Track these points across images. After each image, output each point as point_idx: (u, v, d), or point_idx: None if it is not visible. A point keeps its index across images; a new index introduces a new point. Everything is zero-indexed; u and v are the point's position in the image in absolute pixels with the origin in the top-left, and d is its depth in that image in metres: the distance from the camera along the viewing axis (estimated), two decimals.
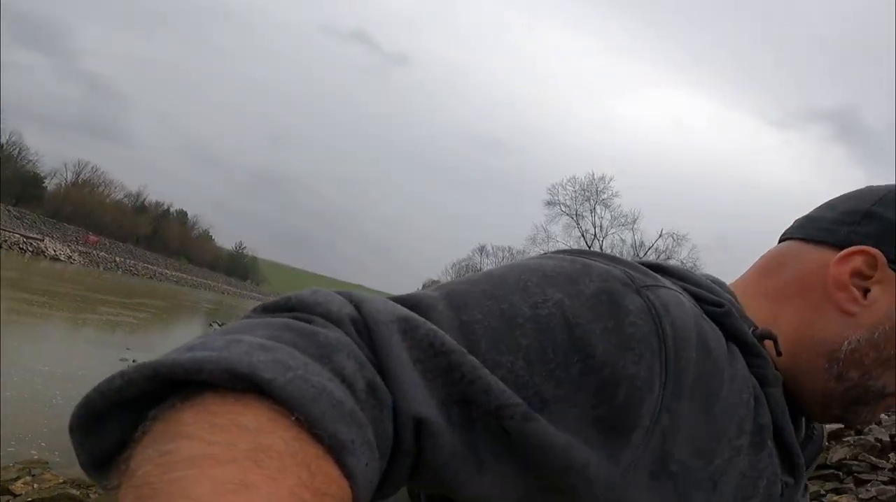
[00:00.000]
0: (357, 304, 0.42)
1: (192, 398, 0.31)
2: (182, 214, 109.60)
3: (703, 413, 0.47)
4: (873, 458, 4.63)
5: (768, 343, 0.53)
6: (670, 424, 0.45)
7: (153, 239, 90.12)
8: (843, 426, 4.37)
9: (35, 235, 48.36)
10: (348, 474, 0.33)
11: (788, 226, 0.61)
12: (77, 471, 5.40)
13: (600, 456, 0.44)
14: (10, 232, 43.10)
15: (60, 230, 62.63)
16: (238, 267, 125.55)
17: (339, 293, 0.43)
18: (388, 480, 0.41)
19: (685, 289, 0.53)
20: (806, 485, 0.61)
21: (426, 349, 0.41)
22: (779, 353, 0.53)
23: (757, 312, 0.56)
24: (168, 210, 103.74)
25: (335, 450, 0.33)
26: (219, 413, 0.31)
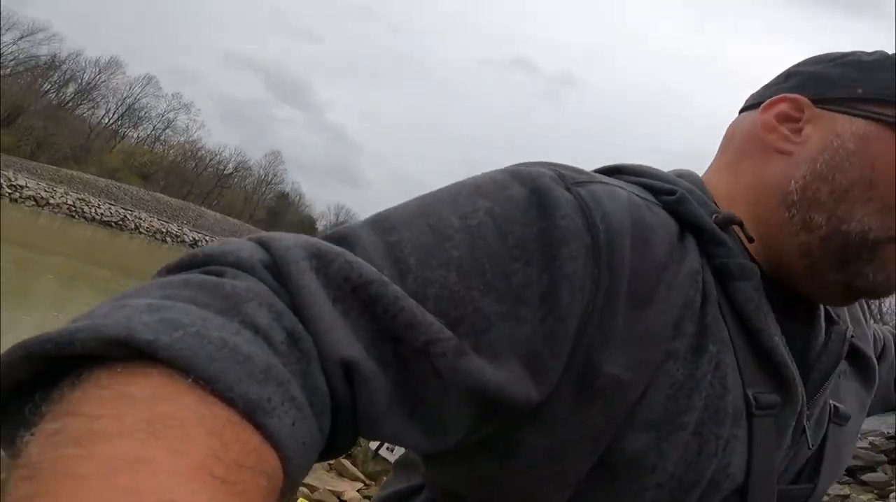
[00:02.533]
0: (266, 245, 0.37)
1: (82, 375, 0.28)
2: None
3: (636, 310, 0.43)
4: None
5: (739, 230, 0.49)
6: (600, 329, 0.42)
7: None
8: None
9: None
10: (270, 438, 0.29)
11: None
12: None
13: (539, 387, 0.41)
14: None
15: None
16: None
17: (253, 238, 0.38)
18: (337, 439, 0.38)
19: (639, 184, 0.50)
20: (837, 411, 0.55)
21: (342, 284, 0.37)
22: (750, 239, 0.49)
23: (720, 191, 0.54)
24: None
25: (249, 413, 0.28)
26: (106, 385, 0.27)
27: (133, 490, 0.22)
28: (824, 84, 0.50)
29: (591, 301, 0.42)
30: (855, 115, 0.48)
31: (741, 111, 0.59)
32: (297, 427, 0.31)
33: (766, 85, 0.57)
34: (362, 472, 4.70)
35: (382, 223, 0.43)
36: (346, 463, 4.70)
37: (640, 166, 0.54)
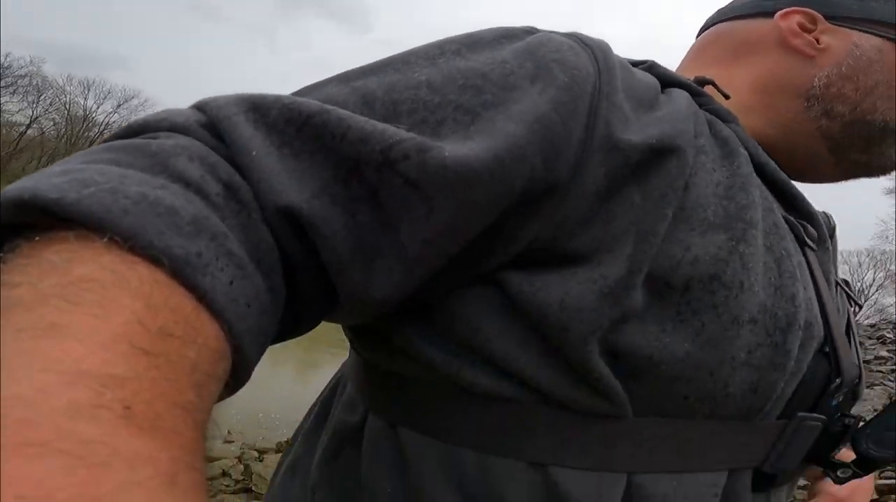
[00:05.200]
0: (202, 107, 0.34)
1: (6, 246, 0.26)
2: None
3: (644, 112, 0.40)
4: None
5: (713, 91, 0.53)
6: (612, 110, 0.37)
7: None
8: None
9: None
10: (204, 299, 0.26)
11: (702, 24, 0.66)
12: None
13: (558, 157, 0.36)
14: None
15: None
16: None
17: (195, 105, 0.35)
18: (306, 305, 0.35)
19: None
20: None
21: (285, 128, 0.33)
22: (726, 96, 0.54)
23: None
24: None
25: (176, 270, 0.25)
26: (26, 254, 0.25)
27: (43, 358, 0.20)
28: (830, 4, 0.57)
29: (596, 83, 0.38)
30: (866, 33, 0.55)
31: (716, 22, 0.64)
32: (236, 286, 0.27)
33: (750, 2, 0.61)
34: None
35: (348, 74, 0.40)
36: None
37: None
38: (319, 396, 0.57)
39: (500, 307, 0.39)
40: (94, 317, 0.22)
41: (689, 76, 0.54)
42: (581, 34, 0.42)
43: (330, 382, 0.57)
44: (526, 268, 0.38)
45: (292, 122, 0.34)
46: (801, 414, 0.43)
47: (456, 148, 0.34)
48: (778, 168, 0.49)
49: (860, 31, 0.56)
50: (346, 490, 0.46)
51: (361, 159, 0.33)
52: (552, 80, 0.37)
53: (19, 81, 36.14)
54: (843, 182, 0.61)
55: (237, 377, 0.29)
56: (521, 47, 0.39)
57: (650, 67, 0.49)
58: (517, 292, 0.38)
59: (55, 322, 0.21)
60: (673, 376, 0.38)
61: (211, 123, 0.33)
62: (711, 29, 0.63)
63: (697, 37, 0.66)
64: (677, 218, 0.39)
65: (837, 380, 0.43)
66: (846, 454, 0.47)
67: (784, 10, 0.57)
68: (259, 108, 0.34)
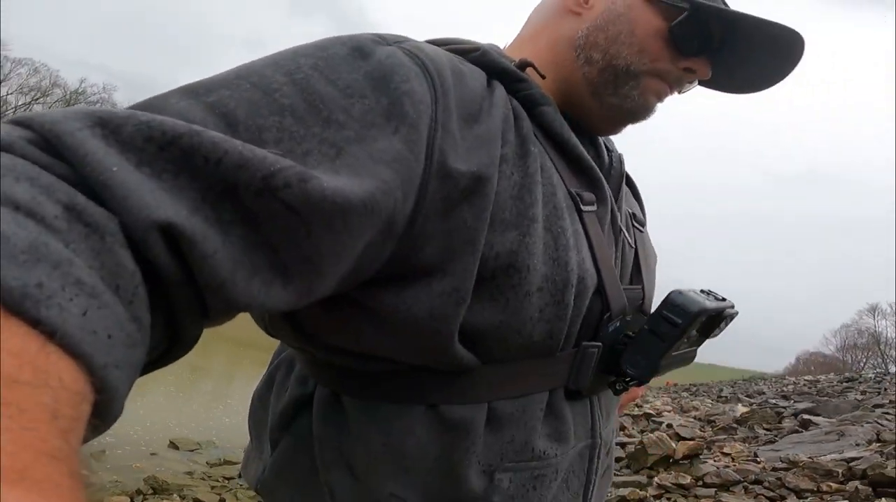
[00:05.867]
0: (26, 124, 0.31)
1: None
2: None
3: (468, 126, 0.49)
4: None
5: (532, 72, 0.64)
6: (445, 138, 0.45)
7: None
8: None
9: None
10: (54, 335, 0.23)
11: None
12: None
13: (408, 194, 0.43)
14: None
15: None
16: None
17: (13, 120, 0.31)
18: (182, 327, 0.34)
19: (448, 50, 0.58)
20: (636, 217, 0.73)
21: (144, 146, 0.31)
22: (542, 76, 0.64)
23: (524, 56, 0.65)
24: None
25: (13, 306, 0.22)
26: None
27: None
28: None
29: (433, 113, 0.45)
30: None
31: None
32: (90, 317, 0.25)
33: None
34: None
35: (195, 88, 0.38)
36: None
37: (445, 38, 0.63)
38: (268, 370, 0.69)
39: (373, 325, 0.51)
40: None
41: (519, 53, 0.66)
42: (420, 49, 0.49)
43: (272, 361, 0.70)
44: (386, 285, 0.48)
45: (153, 141, 0.32)
46: (584, 343, 0.59)
47: (330, 180, 0.37)
48: (579, 145, 0.61)
49: None
50: (302, 443, 0.60)
51: (240, 184, 0.34)
52: (404, 118, 0.43)
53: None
54: (616, 131, 0.70)
55: (103, 417, 0.26)
56: (376, 73, 0.45)
57: (483, 54, 0.59)
58: (390, 310, 0.49)
59: None
60: (496, 337, 0.53)
61: (43, 140, 0.30)
62: (531, 13, 0.74)
63: None
64: (489, 224, 0.50)
65: (608, 314, 0.59)
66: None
67: None
68: (107, 124, 0.31)
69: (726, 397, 14.19)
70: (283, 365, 0.66)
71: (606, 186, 0.63)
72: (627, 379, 0.61)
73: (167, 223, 0.30)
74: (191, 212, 0.32)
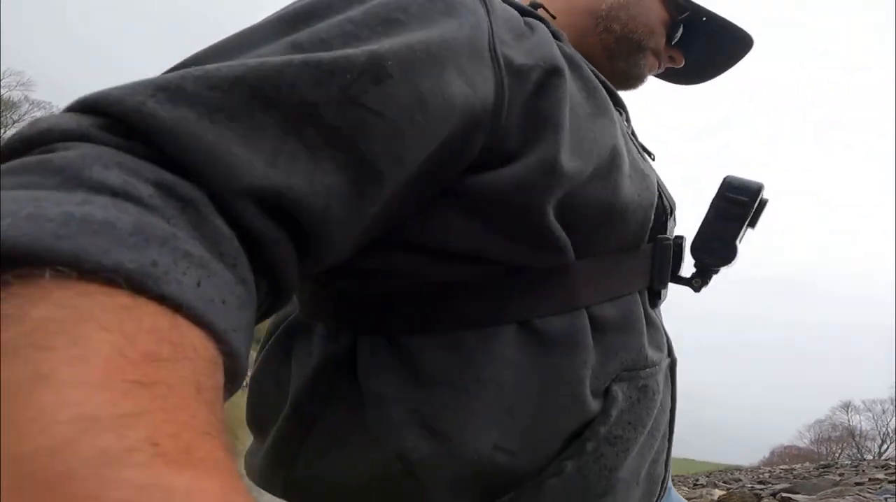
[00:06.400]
0: (90, 108, 0.30)
1: None
2: None
3: (519, 43, 0.49)
4: None
5: (544, 14, 0.69)
6: (504, 46, 0.46)
7: None
8: None
9: None
10: (179, 309, 0.23)
11: None
12: None
13: (484, 84, 0.43)
14: None
15: None
16: None
17: (67, 108, 0.31)
18: (280, 280, 0.33)
19: None
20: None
21: (209, 95, 0.30)
22: (552, 17, 0.70)
23: (555, 7, 0.71)
24: None
25: (137, 286, 0.22)
26: None
27: (45, 410, 0.18)
28: None
29: (489, 22, 0.46)
30: None
31: None
32: (205, 286, 0.25)
33: None
34: None
35: (240, 37, 0.38)
36: None
37: None
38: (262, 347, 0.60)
39: (461, 211, 0.46)
40: (72, 360, 0.19)
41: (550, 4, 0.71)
42: None
43: (265, 341, 0.60)
44: (479, 172, 0.45)
45: (218, 88, 0.31)
46: (659, 236, 0.59)
47: (412, 78, 0.38)
48: (598, 72, 0.62)
49: None
50: (343, 406, 0.49)
51: (320, 103, 0.33)
52: (465, 16, 0.44)
53: None
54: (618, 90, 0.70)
55: (233, 380, 0.27)
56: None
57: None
58: (479, 188, 0.45)
59: (37, 372, 0.19)
60: (603, 221, 0.51)
61: (114, 122, 0.29)
62: None
63: None
64: (579, 115, 0.51)
65: (669, 208, 0.62)
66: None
67: None
68: (168, 88, 0.30)
69: (703, 484, 13.67)
70: (293, 331, 0.56)
71: (626, 110, 0.68)
72: (701, 271, 0.62)
73: (250, 188, 0.30)
74: (273, 157, 0.31)
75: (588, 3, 0.73)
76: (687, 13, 0.74)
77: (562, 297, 0.49)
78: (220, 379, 0.25)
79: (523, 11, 0.57)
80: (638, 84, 0.78)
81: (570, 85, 0.51)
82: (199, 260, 0.26)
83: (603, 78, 0.63)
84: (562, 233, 0.48)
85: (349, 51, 0.35)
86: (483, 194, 0.45)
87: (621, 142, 0.53)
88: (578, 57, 0.58)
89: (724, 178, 0.60)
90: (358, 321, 0.51)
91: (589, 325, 0.50)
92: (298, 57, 0.34)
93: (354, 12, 0.40)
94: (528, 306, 0.49)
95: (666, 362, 0.59)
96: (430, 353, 0.48)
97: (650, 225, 0.56)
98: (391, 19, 0.40)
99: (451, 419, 0.46)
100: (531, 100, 0.46)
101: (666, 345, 0.60)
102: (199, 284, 0.25)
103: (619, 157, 0.51)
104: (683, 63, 0.79)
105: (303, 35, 0.37)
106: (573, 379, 0.48)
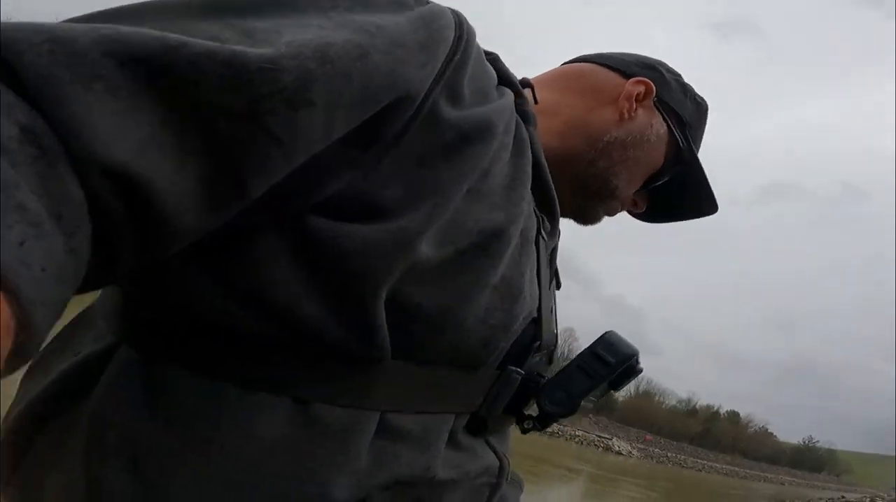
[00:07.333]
0: None
1: None
2: (734, 415, 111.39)
3: (479, 103, 0.47)
4: None
5: (529, 94, 0.63)
6: (450, 81, 0.44)
7: (705, 437, 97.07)
8: None
9: (606, 435, 61.02)
10: None
11: (585, 54, 0.77)
12: None
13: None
14: (588, 433, 57.40)
15: (625, 432, 77.51)
16: (806, 459, 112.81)
17: None
18: (118, 261, 0.32)
19: None
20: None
21: (96, 61, 0.28)
22: (536, 101, 0.64)
23: (542, 96, 0.67)
24: (718, 411, 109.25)
25: None
26: None
27: None
28: (667, 92, 0.70)
29: (451, 54, 0.44)
30: (665, 121, 0.69)
31: (587, 60, 0.74)
32: (27, 247, 0.23)
33: (626, 58, 0.72)
34: None
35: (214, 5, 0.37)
36: None
37: None
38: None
39: (292, 253, 0.41)
40: None
41: (540, 89, 0.67)
42: (462, 15, 0.47)
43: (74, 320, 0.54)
44: (331, 216, 0.41)
45: (113, 56, 0.29)
46: (510, 366, 0.53)
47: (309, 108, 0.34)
48: (548, 172, 0.59)
49: (664, 117, 0.69)
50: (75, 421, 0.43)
51: (220, 110, 0.31)
52: (433, 46, 0.42)
53: None
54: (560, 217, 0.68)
55: (19, 354, 0.24)
56: (415, 16, 0.42)
57: (494, 60, 0.57)
58: (320, 236, 0.40)
59: None
60: (433, 323, 0.45)
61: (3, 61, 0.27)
62: (585, 64, 0.74)
63: (568, 62, 0.77)
64: (473, 195, 0.46)
65: (538, 343, 0.55)
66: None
67: (638, 78, 0.69)
68: (60, 40, 0.28)
69: None
70: (81, 319, 0.52)
71: (559, 226, 0.64)
72: (541, 417, 0.57)
73: (103, 166, 0.28)
74: (142, 143, 0.29)
75: (599, 121, 0.68)
76: (680, 166, 0.70)
77: (357, 392, 0.44)
78: (3, 347, 0.22)
79: (509, 82, 0.56)
80: (588, 224, 0.74)
81: (499, 164, 0.49)
82: (34, 217, 0.24)
83: (553, 193, 0.59)
84: (383, 322, 0.43)
85: (285, 61, 0.32)
86: (326, 243, 0.40)
87: (508, 235, 0.48)
88: (535, 149, 0.56)
89: (604, 334, 0.57)
90: (126, 330, 0.45)
91: (374, 429, 0.44)
92: (225, 52, 0.31)
93: (327, 24, 0.37)
94: (316, 388, 0.43)
95: (481, 481, 0.54)
96: (185, 393, 0.41)
97: (496, 350, 0.50)
98: (363, 30, 0.38)
99: (163, 464, 0.40)
100: (430, 159, 0.43)
101: (488, 470, 0.54)
102: (22, 244, 0.23)
103: (498, 242, 0.47)
104: (645, 208, 0.74)
105: (247, 22, 0.34)
106: (327, 475, 0.42)
